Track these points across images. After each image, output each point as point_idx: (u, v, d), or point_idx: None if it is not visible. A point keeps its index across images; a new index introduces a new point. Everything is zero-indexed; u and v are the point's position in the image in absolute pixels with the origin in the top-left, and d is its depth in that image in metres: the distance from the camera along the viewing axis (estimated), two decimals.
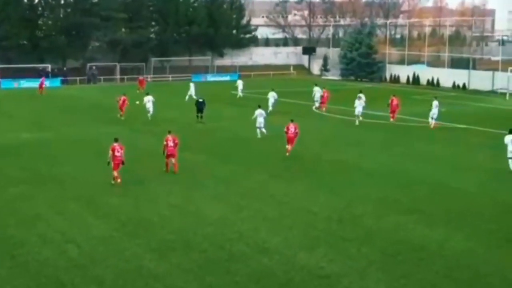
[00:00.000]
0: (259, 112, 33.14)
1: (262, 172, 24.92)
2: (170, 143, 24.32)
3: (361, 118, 38.69)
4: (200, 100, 40.18)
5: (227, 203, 20.33)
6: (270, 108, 42.87)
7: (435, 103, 38.27)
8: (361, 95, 40.08)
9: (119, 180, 22.68)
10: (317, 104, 46.09)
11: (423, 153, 29.18)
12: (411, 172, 24.95)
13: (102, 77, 71.15)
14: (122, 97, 40.86)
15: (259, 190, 22.01)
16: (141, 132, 34.80)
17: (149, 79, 70.24)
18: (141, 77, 64.75)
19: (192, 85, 51.98)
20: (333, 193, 21.64)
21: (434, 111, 37.71)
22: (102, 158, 24.17)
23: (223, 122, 38.54)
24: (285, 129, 28.39)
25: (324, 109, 44.47)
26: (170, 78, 72.35)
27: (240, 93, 54.64)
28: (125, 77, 73.13)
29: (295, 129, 28.20)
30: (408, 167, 26.04)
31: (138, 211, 19.49)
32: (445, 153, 29.25)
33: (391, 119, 39.48)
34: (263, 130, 32.81)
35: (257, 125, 32.89)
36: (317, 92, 46.69)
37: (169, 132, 25.02)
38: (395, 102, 39.91)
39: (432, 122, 37.63)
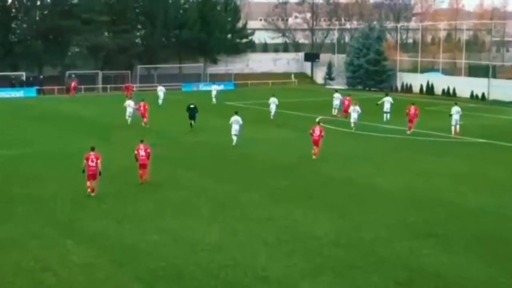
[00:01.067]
0: (234, 118, 35.17)
1: (260, 191, 24.95)
2: (142, 152, 25.52)
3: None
4: (192, 106, 41.58)
5: (222, 227, 20.32)
6: (272, 114, 45.79)
7: (456, 109, 39.72)
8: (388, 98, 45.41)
9: (93, 193, 23.67)
10: (335, 112, 48.61)
11: (438, 170, 29.22)
12: (426, 192, 24.98)
13: (82, 87, 71.26)
14: (142, 103, 43.31)
15: (256, 212, 22.02)
16: (124, 146, 34.79)
17: (134, 89, 70.28)
18: (128, 84, 66.52)
19: (160, 89, 56.45)
20: (340, 215, 21.65)
21: (456, 117, 39.35)
22: (81, 176, 24.20)
23: (216, 136, 38.59)
24: (310, 132, 31.32)
25: (341, 116, 46.95)
26: (158, 88, 72.28)
27: (214, 100, 57.47)
28: (108, 86, 73.31)
29: (321, 132, 31.05)
30: (423, 186, 26.09)
31: (123, 235, 19.46)
32: (463, 170, 29.28)
33: (409, 131, 40.11)
34: (234, 138, 34.85)
35: (233, 132, 34.98)
36: (337, 99, 48.22)
37: (141, 141, 26.05)
38: (412, 111, 40.59)
39: (456, 130, 39.33)
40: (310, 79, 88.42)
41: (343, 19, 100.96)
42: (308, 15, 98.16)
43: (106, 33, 77.48)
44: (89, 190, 23.76)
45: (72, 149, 33.86)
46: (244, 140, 36.49)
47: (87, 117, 48.74)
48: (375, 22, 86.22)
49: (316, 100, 53.00)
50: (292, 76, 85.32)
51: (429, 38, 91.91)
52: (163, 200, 23.49)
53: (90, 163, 23.54)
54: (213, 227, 20.23)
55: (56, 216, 21.51)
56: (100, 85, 73.92)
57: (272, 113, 45.68)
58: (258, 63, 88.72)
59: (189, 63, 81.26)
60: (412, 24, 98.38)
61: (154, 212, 21.88)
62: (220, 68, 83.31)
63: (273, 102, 46.13)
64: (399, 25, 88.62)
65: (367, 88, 75.52)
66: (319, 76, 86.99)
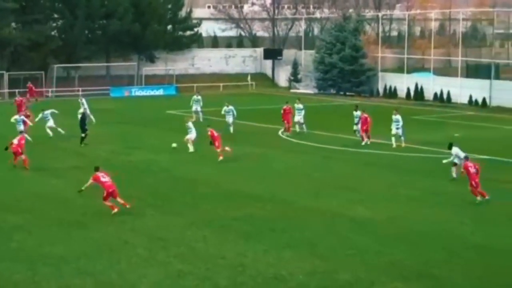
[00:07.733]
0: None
1: (211, 224, 24.92)
2: (104, 179, 26.05)
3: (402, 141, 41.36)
4: (79, 115, 43.39)
5: (163, 268, 20.25)
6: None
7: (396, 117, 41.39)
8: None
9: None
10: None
11: (433, 196, 29.44)
12: (420, 224, 25.11)
13: None
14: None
15: (207, 249, 22.02)
16: (38, 168, 34.48)
17: (49, 94, 69.76)
18: (29, 84, 69.21)
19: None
20: (311, 253, 21.72)
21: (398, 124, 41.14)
22: None
23: (155, 154, 38.49)
24: (462, 170, 29.13)
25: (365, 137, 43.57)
26: (80, 92, 71.90)
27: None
28: (16, 90, 72.18)
29: (475, 166, 28.33)
30: (416, 216, 26.21)
31: (35, 280, 19.16)
32: (463, 196, 29.41)
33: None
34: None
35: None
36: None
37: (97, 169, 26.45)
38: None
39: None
40: (271, 81, 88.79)
41: (311, 7, 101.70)
42: (268, 1, 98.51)
43: (13, 24, 76.72)
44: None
45: None
46: (191, 160, 36.47)
47: None
48: (351, 11, 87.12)
49: (279, 108, 52.96)
50: (249, 77, 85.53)
51: (417, 31, 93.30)
52: (87, 237, 23.29)
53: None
54: (152, 269, 20.14)
55: None
56: (6, 90, 73.01)
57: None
58: (206, 61, 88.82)
59: (119, 62, 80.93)
60: (397, 13, 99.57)
61: (76, 252, 21.67)
62: (158, 68, 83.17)
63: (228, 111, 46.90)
64: (380, 14, 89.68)
65: (341, 93, 76.12)
66: (282, 77, 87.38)
